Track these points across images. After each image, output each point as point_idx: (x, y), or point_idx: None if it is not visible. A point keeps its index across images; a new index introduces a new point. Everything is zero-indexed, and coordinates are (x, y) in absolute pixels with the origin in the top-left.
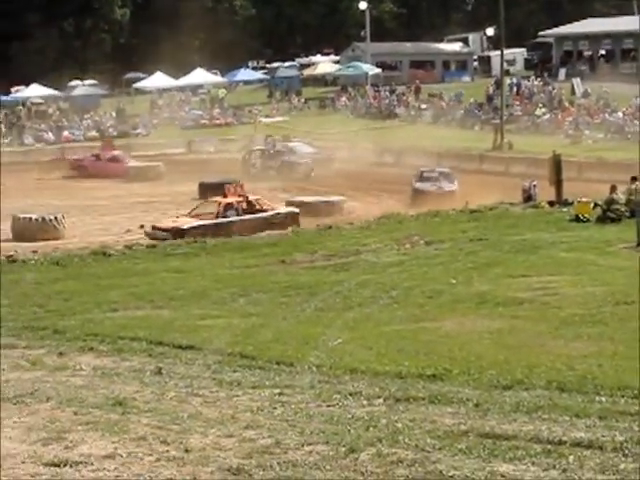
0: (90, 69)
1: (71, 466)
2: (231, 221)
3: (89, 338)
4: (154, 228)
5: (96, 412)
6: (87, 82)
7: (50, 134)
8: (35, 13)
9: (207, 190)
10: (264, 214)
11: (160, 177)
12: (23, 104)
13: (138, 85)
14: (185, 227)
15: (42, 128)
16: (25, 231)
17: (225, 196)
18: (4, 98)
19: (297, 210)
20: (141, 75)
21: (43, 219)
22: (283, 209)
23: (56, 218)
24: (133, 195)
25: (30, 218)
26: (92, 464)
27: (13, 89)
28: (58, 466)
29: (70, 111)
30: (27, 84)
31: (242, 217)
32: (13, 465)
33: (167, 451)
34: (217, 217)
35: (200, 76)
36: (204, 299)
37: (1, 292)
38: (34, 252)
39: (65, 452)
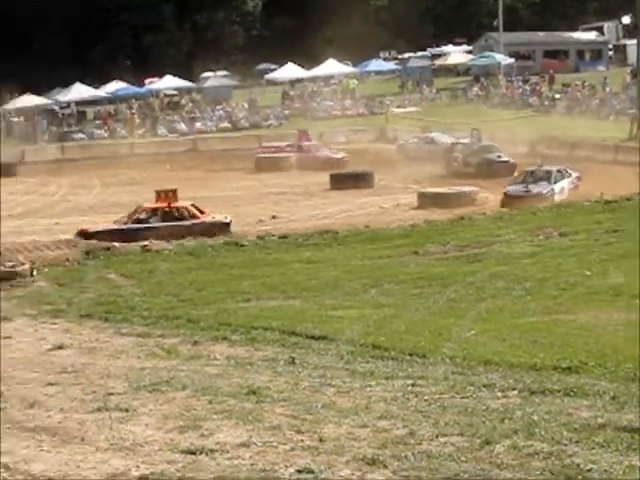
0: (222, 61)
1: (207, 454)
2: (147, 227)
3: (222, 327)
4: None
5: (230, 401)
6: (219, 73)
7: (183, 125)
8: (169, 6)
9: (339, 181)
10: (186, 222)
11: (291, 168)
12: (156, 96)
13: (270, 76)
14: (91, 230)
15: (175, 119)
16: None
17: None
18: (138, 90)
19: (227, 220)
20: (273, 66)
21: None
22: (209, 218)
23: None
24: (265, 186)
25: None
26: (227, 452)
27: (147, 81)
28: (194, 454)
29: (202, 102)
30: (161, 76)
31: (161, 224)
32: (150, 452)
33: (301, 440)
34: (132, 222)
35: (332, 67)
36: (336, 290)
37: (136, 282)
38: (168, 242)
39: (201, 440)
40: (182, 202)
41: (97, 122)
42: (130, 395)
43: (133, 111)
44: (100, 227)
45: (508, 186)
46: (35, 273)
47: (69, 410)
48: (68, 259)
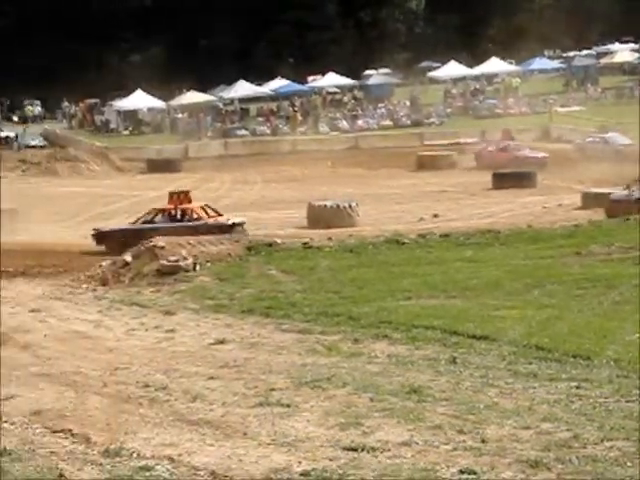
0: (385, 58)
1: (368, 451)
2: (156, 227)
3: (383, 325)
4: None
5: (392, 399)
6: (382, 71)
7: (345, 122)
8: (333, 4)
9: (501, 180)
10: (190, 223)
11: (453, 166)
12: (319, 93)
13: (432, 74)
14: (105, 230)
15: (337, 117)
16: (320, 218)
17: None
18: (301, 87)
19: (231, 222)
20: (435, 64)
21: (337, 206)
22: (212, 221)
23: (350, 206)
24: (426, 184)
25: (325, 205)
26: (389, 450)
27: (310, 78)
28: (355, 450)
29: (364, 100)
30: (323, 73)
31: (169, 224)
32: (311, 448)
33: (463, 441)
34: (142, 223)
35: (495, 65)
36: (497, 290)
37: (297, 278)
38: (329, 239)
39: (362, 437)
40: (195, 203)
41: (260, 119)
42: (292, 391)
43: (296, 108)
44: (113, 227)
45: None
46: (198, 268)
47: (231, 404)
48: (230, 254)
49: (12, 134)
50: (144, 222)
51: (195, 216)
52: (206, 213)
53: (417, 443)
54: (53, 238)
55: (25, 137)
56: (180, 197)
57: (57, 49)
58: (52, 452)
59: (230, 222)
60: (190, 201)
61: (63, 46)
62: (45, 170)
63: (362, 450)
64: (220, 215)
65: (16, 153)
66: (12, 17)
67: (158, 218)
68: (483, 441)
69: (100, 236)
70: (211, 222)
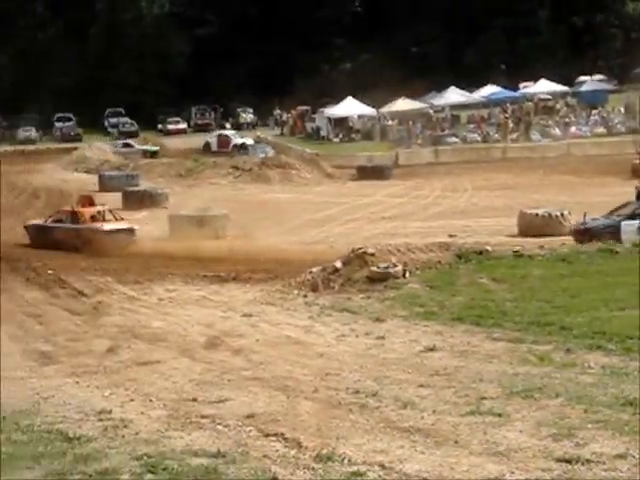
0: (599, 64)
1: (583, 464)
2: (55, 227)
3: (597, 336)
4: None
5: (606, 411)
6: (595, 77)
7: (557, 130)
8: (544, 10)
9: None
10: (73, 226)
11: None
12: (531, 100)
13: None
14: (27, 224)
15: (549, 124)
16: (531, 226)
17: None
18: (512, 94)
19: (108, 228)
20: None
21: (549, 215)
22: (89, 225)
23: (562, 214)
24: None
25: (536, 214)
26: (604, 463)
27: (521, 85)
28: (569, 462)
29: (577, 107)
30: (535, 80)
31: (66, 225)
32: (524, 458)
33: None
34: (52, 221)
35: None
36: None
37: (507, 286)
38: (540, 247)
39: (576, 449)
40: (94, 208)
41: (470, 126)
42: (503, 400)
43: (507, 115)
44: (33, 222)
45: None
46: (407, 275)
47: (442, 412)
48: (440, 262)
49: (249, 141)
50: (54, 220)
51: (81, 219)
52: (100, 218)
53: (633, 456)
54: (263, 244)
55: (257, 148)
56: (83, 200)
57: (268, 56)
58: (265, 455)
59: (107, 228)
60: (92, 204)
61: (274, 54)
62: (257, 177)
63: (576, 462)
64: (119, 220)
65: (229, 160)
66: (216, 25)
67: (65, 218)
68: None
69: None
70: (86, 226)
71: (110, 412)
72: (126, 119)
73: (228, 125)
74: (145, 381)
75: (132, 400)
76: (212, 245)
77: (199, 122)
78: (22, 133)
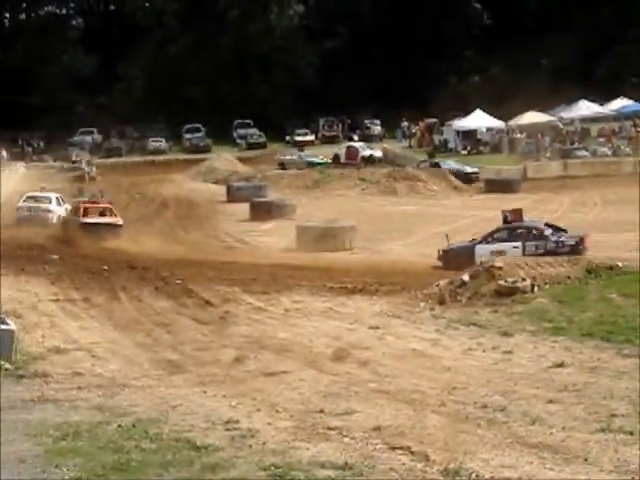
0: None
1: None
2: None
3: None
4: None
5: None
6: None
7: None
8: None
9: None
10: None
11: None
12: None
13: None
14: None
15: None
16: None
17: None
18: None
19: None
20: None
21: None
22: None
23: None
24: None
25: None
26: None
27: None
28: None
29: None
30: None
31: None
32: None
33: None
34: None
35: None
36: None
37: (638, 302)
38: None
39: None
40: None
41: (600, 139)
42: (634, 418)
43: (638, 129)
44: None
45: None
46: (536, 290)
47: (571, 429)
48: (569, 277)
49: (377, 153)
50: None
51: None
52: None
53: None
54: (390, 256)
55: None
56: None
57: (396, 69)
58: (391, 468)
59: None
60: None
61: (402, 66)
62: (384, 189)
63: None
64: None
65: (356, 171)
66: (345, 38)
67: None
68: None
69: None
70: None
71: (237, 422)
72: (254, 130)
73: (356, 137)
74: (272, 391)
75: (259, 410)
76: (339, 257)
77: (326, 134)
78: (152, 144)
